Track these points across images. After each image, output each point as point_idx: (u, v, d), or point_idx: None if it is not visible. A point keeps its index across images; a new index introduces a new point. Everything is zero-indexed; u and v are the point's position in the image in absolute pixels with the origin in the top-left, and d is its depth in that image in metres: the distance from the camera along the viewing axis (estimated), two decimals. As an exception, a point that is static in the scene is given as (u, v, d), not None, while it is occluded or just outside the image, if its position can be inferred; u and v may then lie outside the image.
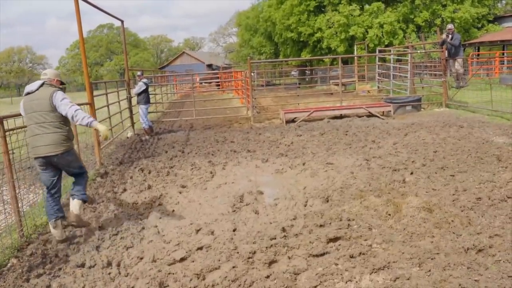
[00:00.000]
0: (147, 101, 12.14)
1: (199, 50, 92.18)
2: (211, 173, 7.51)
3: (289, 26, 33.78)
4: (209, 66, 69.00)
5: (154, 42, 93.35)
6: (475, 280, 3.42)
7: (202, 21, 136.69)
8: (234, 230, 4.83)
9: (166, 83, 29.36)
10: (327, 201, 5.60)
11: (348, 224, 4.60)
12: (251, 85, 14.08)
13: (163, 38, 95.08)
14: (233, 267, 3.91)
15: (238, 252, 4.18)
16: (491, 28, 32.82)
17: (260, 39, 40.94)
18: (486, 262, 3.70)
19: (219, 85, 29.92)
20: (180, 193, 6.50)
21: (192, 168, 7.92)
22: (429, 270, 3.61)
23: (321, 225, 4.65)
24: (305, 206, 5.52)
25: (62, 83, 5.05)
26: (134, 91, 11.90)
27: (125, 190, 6.75)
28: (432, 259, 3.80)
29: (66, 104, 4.64)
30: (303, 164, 7.70)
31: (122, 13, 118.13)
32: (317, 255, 4.02)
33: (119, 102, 12.56)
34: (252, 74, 19.40)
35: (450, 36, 13.88)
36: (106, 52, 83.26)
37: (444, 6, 31.44)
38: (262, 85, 27.45)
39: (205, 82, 33.18)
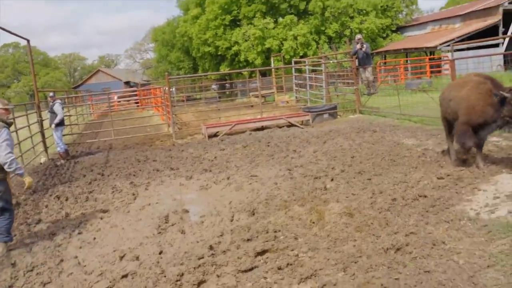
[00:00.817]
0: (62, 123, 11.52)
1: (115, 67, 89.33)
2: (134, 194, 7.25)
3: (206, 41, 33.91)
4: (127, 83, 67.07)
5: (66, 60, 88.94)
6: (396, 279, 3.59)
7: (116, 38, 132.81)
8: (160, 253, 4.69)
9: (81, 103, 28.11)
10: (253, 214, 5.63)
11: (275, 236, 4.65)
12: (170, 101, 13.87)
13: (75, 56, 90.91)
14: (161, 292, 3.79)
15: (165, 276, 4.06)
16: (395, 37, 35.29)
17: (178, 54, 40.60)
18: (404, 260, 3.90)
19: (138, 103, 29.21)
20: (101, 218, 6.20)
21: (113, 191, 7.61)
22: (353, 274, 3.74)
23: (248, 239, 4.65)
24: (231, 221, 5.50)
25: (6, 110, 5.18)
26: (59, 117, 11.19)
27: (40, 221, 6.30)
28: (355, 262, 3.94)
29: (4, 149, 4.86)
30: (228, 178, 7.70)
31: (28, 31, 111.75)
32: (245, 271, 4.01)
33: (29, 126, 11.79)
34: (171, 90, 19.17)
35: (364, 46, 14.69)
36: (13, 73, 78.02)
37: (352, 18, 33.31)
38: (183, 101, 27.22)
39: (123, 100, 32.24)
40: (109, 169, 9.59)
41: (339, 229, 4.68)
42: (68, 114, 16.42)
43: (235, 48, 33.35)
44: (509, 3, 28.15)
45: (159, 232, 5.38)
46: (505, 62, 23.93)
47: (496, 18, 27.87)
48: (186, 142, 12.67)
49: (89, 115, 26.84)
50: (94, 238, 5.44)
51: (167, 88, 14.60)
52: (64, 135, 12.35)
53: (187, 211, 6.12)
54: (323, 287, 3.61)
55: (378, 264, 3.86)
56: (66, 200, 7.34)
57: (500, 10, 27.82)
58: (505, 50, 24.82)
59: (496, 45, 26.16)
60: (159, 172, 8.84)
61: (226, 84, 35.99)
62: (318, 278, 3.74)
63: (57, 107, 11.25)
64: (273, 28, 32.76)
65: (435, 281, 3.48)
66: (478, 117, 6.07)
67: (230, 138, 12.31)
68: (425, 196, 5.42)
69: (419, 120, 11.51)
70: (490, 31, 26.69)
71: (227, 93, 36.32)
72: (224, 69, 33.90)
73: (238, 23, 34.68)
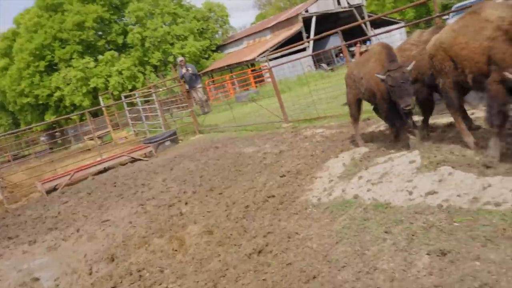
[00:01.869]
0: None
1: None
2: (-33, 279, 6.25)
3: (23, 91, 31.22)
4: None
5: None
6: (263, 280, 3.75)
7: None
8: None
9: None
10: (113, 260, 5.32)
11: (140, 276, 4.47)
12: (-7, 165, 12.34)
13: None
14: None
15: None
16: (217, 56, 37.02)
17: (-8, 112, 36.54)
18: (267, 259, 4.11)
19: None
20: None
21: None
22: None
23: (112, 288, 4.39)
24: (90, 274, 5.11)
25: None
26: None
27: None
28: (224, 276, 4.01)
29: None
30: (77, 230, 7.13)
31: None
32: (115, 321, 3.77)
33: None
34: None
35: (189, 69, 15.01)
36: None
37: (172, 44, 33.98)
38: (9, 161, 24.40)
39: None
40: None
41: (202, 249, 4.71)
42: None
43: (57, 93, 31.32)
44: (305, 11, 31.84)
45: (8, 312, 4.74)
46: (314, 63, 26.86)
47: (298, 26, 31.22)
48: (21, 205, 11.38)
49: None
50: None
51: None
52: None
53: (37, 279, 5.51)
54: (198, 310, 3.59)
55: (245, 271, 3.99)
56: None
57: (300, 18, 31.28)
58: (312, 52, 27.89)
59: (304, 49, 29.26)
60: (-6, 245, 7.78)
61: (56, 133, 33.40)
62: (191, 303, 3.71)
63: None
64: (95, 67, 31.63)
65: (297, 270, 3.73)
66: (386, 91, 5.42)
67: (72, 188, 11.43)
68: (273, 196, 5.78)
69: (254, 128, 12.23)
70: (296, 38, 29.77)
71: (59, 142, 33.72)
72: (49, 118, 31.54)
73: (55, 67, 32.63)
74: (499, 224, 3.38)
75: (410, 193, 4.44)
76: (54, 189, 11.97)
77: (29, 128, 33.26)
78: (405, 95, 5.06)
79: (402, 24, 33.33)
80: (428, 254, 3.32)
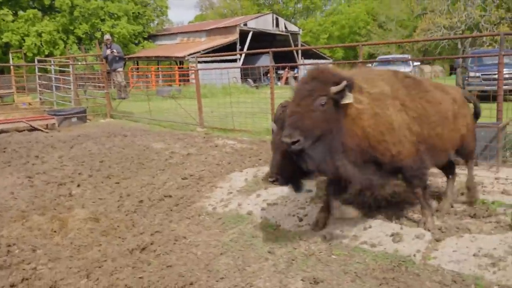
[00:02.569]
0: None
1: None
2: None
3: None
4: None
5: None
6: (140, 278, 3.68)
7: None
8: None
9: None
10: (-18, 229, 4.91)
11: (8, 251, 4.16)
12: None
13: None
14: None
15: None
16: (147, 44, 36.05)
17: None
18: (149, 258, 4.04)
19: None
20: None
21: None
22: (97, 279, 3.67)
23: (-27, 259, 4.03)
24: (-48, 240, 4.66)
25: None
26: None
27: None
28: (100, 267, 3.87)
29: None
30: (-51, 190, 6.49)
31: None
32: (-31, 294, 3.48)
33: None
34: None
35: (114, 50, 14.40)
36: None
37: (103, 20, 32.53)
38: None
39: None
40: None
41: (83, 235, 4.51)
42: None
43: (-39, 38, 28.45)
44: (244, 24, 32.30)
45: None
46: (241, 76, 27.22)
47: (234, 36, 31.54)
48: None
49: None
50: None
51: None
52: None
53: None
54: (63, 297, 3.43)
55: (123, 265, 3.89)
56: None
57: (237, 29, 31.65)
58: (242, 65, 28.27)
59: (235, 60, 29.58)
60: None
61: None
62: (58, 288, 3.53)
63: None
64: (12, 21, 29.22)
65: (176, 273, 3.71)
66: None
67: (-47, 144, 10.38)
68: (170, 196, 5.73)
69: (168, 125, 12.05)
70: (230, 47, 30.03)
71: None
72: None
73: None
74: (370, 264, 3.66)
75: (300, 219, 4.64)
76: None
77: None
78: None
79: (330, 61, 35.03)
80: (302, 280, 3.48)
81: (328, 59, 37.32)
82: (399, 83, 3.97)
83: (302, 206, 4.95)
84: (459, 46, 33.24)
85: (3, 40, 28.75)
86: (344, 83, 3.37)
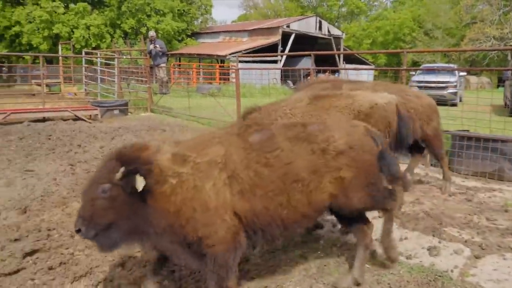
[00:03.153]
0: None
1: None
2: None
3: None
4: None
5: None
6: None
7: None
8: None
9: None
10: (25, 212, 5.10)
11: (48, 235, 4.32)
12: None
13: None
14: None
15: None
16: (190, 42, 36.61)
17: None
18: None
19: None
20: None
21: None
22: (131, 269, 3.76)
23: (16, 239, 4.20)
24: (-3, 220, 4.88)
25: None
26: None
27: None
28: (134, 257, 3.96)
29: None
30: (-4, 172, 6.79)
31: None
32: (10, 274, 3.62)
33: None
34: None
35: (157, 45, 14.70)
36: None
37: (149, 16, 33.24)
38: None
39: None
40: None
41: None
42: None
43: (16, 28, 29.67)
44: (286, 26, 32.26)
45: None
46: (281, 77, 27.22)
47: (276, 37, 31.56)
48: None
49: None
50: None
51: None
52: None
53: None
54: (98, 284, 3.53)
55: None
56: None
57: (280, 31, 31.64)
58: (282, 66, 28.27)
59: (276, 61, 29.60)
60: None
61: (3, 68, 31.63)
62: (94, 275, 3.63)
63: None
64: (63, 14, 30.29)
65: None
66: None
67: (3, 128, 10.84)
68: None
69: (206, 122, 12.18)
70: (271, 48, 30.06)
71: (4, 77, 31.95)
72: (1, 50, 29.75)
73: (21, 1, 30.93)
74: (405, 276, 3.57)
75: (334, 225, 4.59)
76: (-16, 123, 11.33)
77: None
78: None
79: (372, 66, 34.52)
80: (333, 286, 3.45)
81: (370, 64, 36.81)
82: (240, 143, 3.23)
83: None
84: (509, 57, 32.07)
85: (53, 31, 29.84)
86: (122, 170, 2.86)
